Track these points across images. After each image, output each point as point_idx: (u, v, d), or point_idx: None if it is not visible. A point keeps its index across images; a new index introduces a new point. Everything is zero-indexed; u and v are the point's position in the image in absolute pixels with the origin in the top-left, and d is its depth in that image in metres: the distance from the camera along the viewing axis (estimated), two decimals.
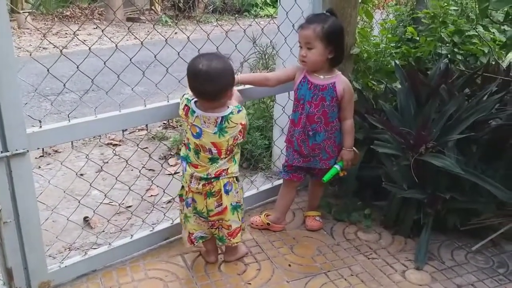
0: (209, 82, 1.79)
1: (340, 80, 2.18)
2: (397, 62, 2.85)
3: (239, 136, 1.89)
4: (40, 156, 3.37)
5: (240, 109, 1.89)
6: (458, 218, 2.33)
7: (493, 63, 3.07)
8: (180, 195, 2.07)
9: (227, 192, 1.96)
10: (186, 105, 1.92)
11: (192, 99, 1.90)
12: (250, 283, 2.05)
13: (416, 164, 2.23)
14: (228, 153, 1.91)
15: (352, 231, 2.46)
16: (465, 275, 2.13)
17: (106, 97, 2.11)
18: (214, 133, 1.85)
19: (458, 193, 2.26)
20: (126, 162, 2.24)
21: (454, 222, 2.33)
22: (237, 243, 2.06)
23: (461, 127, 2.28)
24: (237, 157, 1.99)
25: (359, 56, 2.89)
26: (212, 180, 1.92)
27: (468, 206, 2.29)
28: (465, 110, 2.35)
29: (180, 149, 3.44)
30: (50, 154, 3.44)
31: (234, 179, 1.99)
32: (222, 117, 1.85)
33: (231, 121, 1.86)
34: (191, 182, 1.95)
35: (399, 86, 2.68)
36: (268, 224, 2.44)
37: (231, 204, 1.99)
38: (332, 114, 2.19)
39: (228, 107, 1.88)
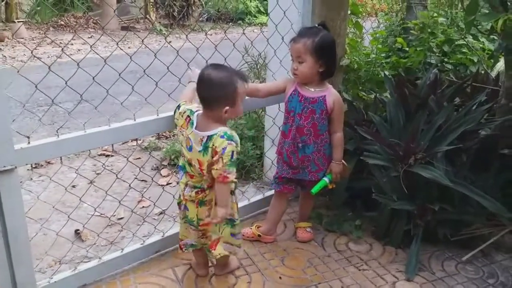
0: (207, 88, 1.82)
1: (331, 93, 2.19)
2: (387, 73, 2.87)
3: (215, 162, 1.79)
4: (34, 167, 3.37)
5: (223, 135, 1.78)
6: (448, 229, 2.34)
7: (483, 72, 3.10)
8: (178, 203, 2.07)
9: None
10: (188, 116, 1.91)
11: (196, 111, 1.91)
12: None
13: (406, 175, 2.24)
14: (210, 172, 1.85)
15: (343, 242, 2.46)
16: (456, 286, 2.14)
17: (100, 107, 2.11)
18: (199, 151, 1.84)
19: (448, 204, 2.27)
20: (116, 176, 2.24)
21: (444, 233, 2.34)
22: (219, 254, 2.04)
23: (450, 138, 2.30)
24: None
25: (349, 66, 2.91)
26: (205, 188, 1.93)
27: (458, 217, 2.30)
28: (454, 121, 2.37)
29: (172, 160, 3.46)
30: (42, 165, 3.44)
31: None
32: (208, 136, 1.83)
33: (213, 142, 1.81)
34: (185, 190, 1.96)
35: (389, 97, 2.70)
36: (259, 235, 2.44)
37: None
38: (321, 127, 2.20)
39: (219, 128, 1.83)
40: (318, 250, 2.39)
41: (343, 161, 2.27)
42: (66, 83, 1.81)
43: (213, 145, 1.79)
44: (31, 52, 2.00)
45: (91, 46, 1.96)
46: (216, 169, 1.78)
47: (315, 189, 2.24)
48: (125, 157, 3.44)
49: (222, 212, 1.86)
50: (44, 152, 1.82)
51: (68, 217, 2.10)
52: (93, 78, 1.90)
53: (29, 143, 1.78)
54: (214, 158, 1.79)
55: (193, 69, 2.13)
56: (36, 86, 1.76)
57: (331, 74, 2.21)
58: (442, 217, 2.29)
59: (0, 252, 1.77)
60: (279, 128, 2.43)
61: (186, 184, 1.95)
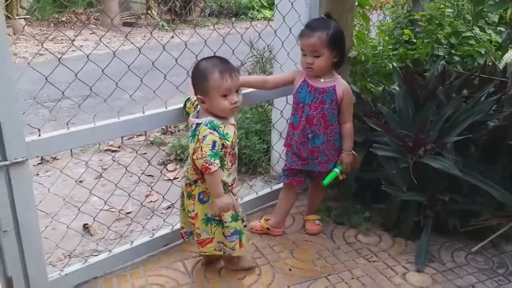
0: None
1: (340, 83, 2.19)
2: (395, 64, 2.86)
3: (195, 150, 1.81)
4: (39, 163, 3.37)
5: (207, 124, 1.80)
6: (458, 220, 2.34)
7: (490, 64, 3.09)
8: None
9: (201, 201, 1.94)
10: (197, 105, 1.96)
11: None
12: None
13: (415, 166, 2.23)
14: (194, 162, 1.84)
15: (352, 234, 2.46)
16: (466, 276, 2.14)
17: (104, 103, 2.11)
18: (189, 137, 1.90)
19: (457, 194, 2.27)
20: (126, 168, 2.24)
21: (454, 223, 2.33)
22: (205, 252, 2.03)
23: (459, 129, 2.29)
24: (224, 178, 1.92)
25: (357, 59, 2.90)
26: (191, 183, 1.94)
27: (467, 207, 2.30)
28: (463, 112, 2.36)
29: (179, 155, 3.46)
30: (48, 161, 3.44)
31: None
32: (196, 124, 1.86)
33: (199, 130, 1.83)
34: (182, 179, 2.01)
35: (397, 89, 2.69)
36: (267, 228, 2.44)
37: (205, 214, 1.96)
38: (331, 117, 2.20)
39: (208, 117, 1.85)
40: (327, 243, 2.39)
41: (353, 151, 2.27)
42: (76, 75, 1.81)
43: (198, 133, 1.82)
44: (42, 45, 1.99)
45: (100, 38, 1.96)
46: (197, 159, 1.78)
47: (326, 181, 2.24)
48: (134, 149, 3.45)
49: (219, 203, 1.86)
50: (55, 144, 1.82)
51: (79, 209, 2.10)
52: (103, 71, 1.90)
53: (39, 135, 1.78)
54: (195, 146, 1.81)
55: None
56: (46, 78, 1.76)
57: (342, 63, 2.22)
58: (451, 207, 2.28)
59: (12, 244, 1.77)
60: (286, 121, 2.42)
61: (184, 175, 1.98)
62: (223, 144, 1.82)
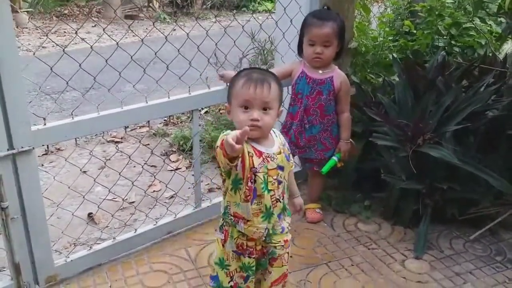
0: None
1: (338, 74, 2.23)
2: (395, 55, 2.88)
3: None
4: (43, 154, 3.41)
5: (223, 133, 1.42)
6: (456, 208, 2.37)
7: (490, 55, 3.10)
8: None
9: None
10: None
11: None
12: None
13: (414, 155, 2.26)
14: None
15: (352, 223, 2.50)
16: (464, 263, 2.17)
17: (107, 95, 2.14)
18: None
19: (456, 183, 2.30)
20: (129, 157, 2.28)
21: (453, 212, 2.37)
22: None
23: (458, 118, 2.32)
24: (227, 198, 1.53)
25: (357, 50, 2.92)
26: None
27: (466, 196, 2.33)
28: (462, 101, 2.39)
29: (181, 146, 3.49)
30: (52, 152, 3.47)
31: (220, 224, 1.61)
32: None
33: None
34: None
35: (397, 79, 2.71)
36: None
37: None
38: (328, 107, 2.24)
39: None
40: (327, 230, 2.43)
41: (351, 140, 2.31)
42: (80, 65, 1.84)
43: None
44: (46, 36, 2.02)
45: (104, 29, 1.99)
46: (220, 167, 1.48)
47: (325, 169, 2.28)
48: (138, 139, 3.48)
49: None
50: (60, 133, 1.85)
51: (83, 197, 2.14)
52: (106, 61, 1.93)
53: (45, 124, 1.82)
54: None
55: (225, 72, 2.20)
56: (51, 68, 1.79)
57: (342, 53, 2.27)
58: (450, 196, 2.32)
59: (19, 231, 1.82)
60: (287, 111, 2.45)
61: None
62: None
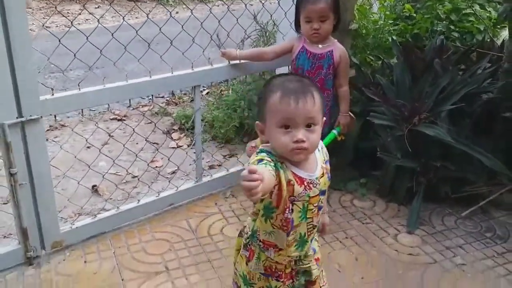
0: None
1: (337, 47, 2.29)
2: (394, 38, 2.93)
3: None
4: (48, 130, 3.47)
5: (257, 151, 1.25)
6: (449, 187, 2.44)
7: (488, 40, 3.15)
8: None
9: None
10: None
11: None
12: None
13: (410, 134, 2.33)
14: None
15: (348, 199, 2.57)
16: (454, 238, 2.25)
17: (110, 74, 2.19)
18: None
19: (450, 162, 2.37)
20: (133, 130, 2.35)
21: (446, 190, 2.44)
22: None
23: (453, 99, 2.38)
24: (257, 223, 1.34)
25: (358, 32, 2.97)
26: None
27: (459, 174, 2.40)
28: (458, 83, 2.45)
29: (183, 124, 3.55)
30: (57, 128, 3.54)
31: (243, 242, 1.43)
32: None
33: None
34: None
35: (396, 61, 2.77)
36: None
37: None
38: (327, 81, 2.30)
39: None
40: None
41: (350, 113, 2.37)
42: (87, 38, 1.89)
43: None
44: (55, 8, 2.08)
45: (110, 3, 2.04)
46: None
47: (325, 142, 2.34)
48: (142, 113, 3.54)
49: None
50: (67, 103, 1.92)
51: (89, 166, 2.22)
52: (112, 35, 1.99)
53: (52, 94, 1.88)
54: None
55: (227, 50, 2.25)
56: (59, 40, 1.85)
57: (338, 25, 2.32)
58: (443, 175, 2.39)
59: (27, 197, 1.89)
60: None
61: None
62: (276, 167, 1.18)
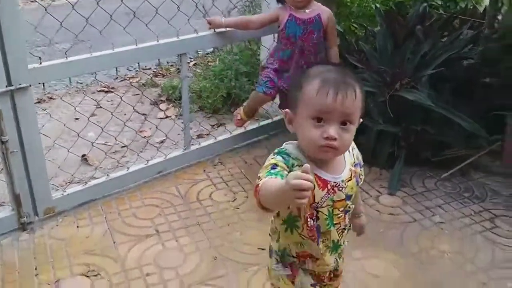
0: None
1: (323, 10, 2.34)
2: (378, 6, 2.96)
3: None
4: (36, 102, 3.48)
5: (275, 151, 1.14)
6: (430, 151, 2.53)
7: (471, 7, 3.21)
8: None
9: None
10: None
11: None
12: (238, 208, 2.25)
13: (392, 100, 2.39)
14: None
15: None
16: (434, 199, 2.35)
17: (97, 47, 2.18)
18: None
19: (430, 126, 2.44)
20: (121, 98, 2.38)
21: (426, 154, 2.53)
22: None
23: (434, 64, 2.44)
24: (282, 240, 1.24)
25: (342, 1, 3.00)
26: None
27: (439, 138, 2.48)
28: (439, 48, 2.50)
29: (170, 95, 3.58)
30: (45, 100, 3.55)
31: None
32: None
33: None
34: None
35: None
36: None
37: None
38: (320, 46, 2.37)
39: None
40: None
41: None
42: (73, 6, 1.91)
43: None
44: None
45: None
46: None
47: None
48: (131, 84, 3.55)
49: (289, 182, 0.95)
50: (55, 72, 1.96)
51: (78, 135, 2.26)
52: (98, 3, 2.00)
53: (40, 63, 1.91)
54: None
55: (212, 18, 2.28)
56: (45, 9, 1.87)
57: None
58: (424, 138, 2.47)
59: (19, 164, 1.94)
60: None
61: None
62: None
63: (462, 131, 2.44)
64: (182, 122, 2.61)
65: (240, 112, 2.67)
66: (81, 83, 3.85)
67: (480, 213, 2.25)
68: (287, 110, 1.15)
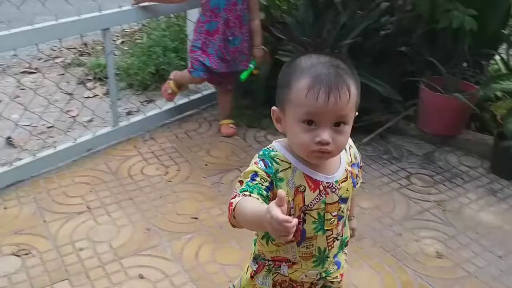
0: None
1: None
2: None
3: None
4: None
5: (260, 152, 1.05)
6: None
7: None
8: None
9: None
10: None
11: None
12: (170, 181, 2.29)
13: None
14: None
15: (262, 135, 2.75)
16: None
17: (14, 27, 2.11)
18: None
19: None
20: (44, 76, 2.31)
21: None
22: None
23: (353, 35, 2.57)
24: (257, 247, 1.15)
25: None
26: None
27: (359, 104, 2.62)
28: (357, 19, 2.63)
29: (97, 73, 3.51)
30: None
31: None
32: None
33: None
34: None
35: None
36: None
37: None
38: (244, 17, 2.45)
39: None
40: (240, 142, 2.66)
41: (263, 46, 2.52)
42: None
43: None
44: None
45: None
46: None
47: (243, 76, 2.50)
48: (53, 63, 3.43)
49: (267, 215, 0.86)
50: None
51: (0, 116, 2.18)
52: None
53: None
54: None
55: None
56: None
57: None
58: None
59: None
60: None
61: None
62: (272, 185, 0.99)
63: (380, 97, 2.60)
64: (111, 101, 2.59)
65: (170, 86, 2.70)
66: (2, 64, 3.67)
67: (397, 172, 2.43)
68: (274, 108, 1.04)
